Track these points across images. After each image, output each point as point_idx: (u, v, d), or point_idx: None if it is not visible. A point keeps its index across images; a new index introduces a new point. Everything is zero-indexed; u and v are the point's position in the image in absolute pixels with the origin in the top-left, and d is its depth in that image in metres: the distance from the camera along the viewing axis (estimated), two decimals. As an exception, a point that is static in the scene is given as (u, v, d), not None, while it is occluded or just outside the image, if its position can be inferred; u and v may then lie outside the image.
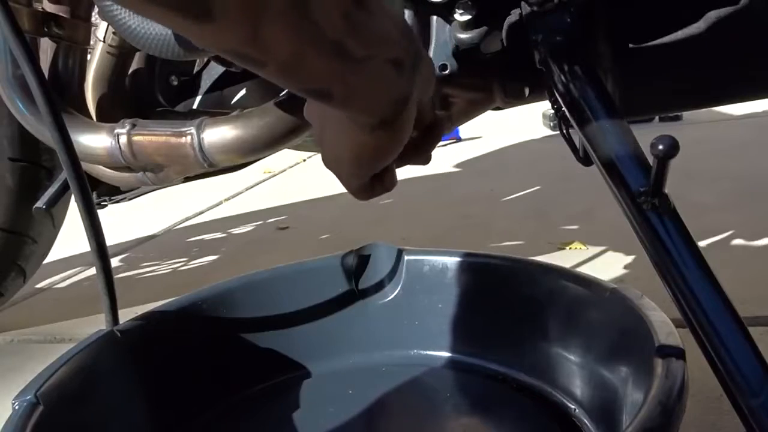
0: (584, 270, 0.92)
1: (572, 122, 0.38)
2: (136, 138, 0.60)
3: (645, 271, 0.85)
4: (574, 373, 0.52)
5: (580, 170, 0.50)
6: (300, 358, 0.63)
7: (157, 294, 0.98)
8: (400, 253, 0.65)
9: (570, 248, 1.01)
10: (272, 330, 0.62)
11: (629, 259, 0.92)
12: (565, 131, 0.41)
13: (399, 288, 0.64)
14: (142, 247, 1.39)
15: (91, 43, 0.65)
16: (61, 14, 0.61)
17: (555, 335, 0.54)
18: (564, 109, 0.39)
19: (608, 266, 0.92)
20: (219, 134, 0.59)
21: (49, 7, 0.60)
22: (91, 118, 0.66)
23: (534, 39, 0.40)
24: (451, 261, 0.62)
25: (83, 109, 0.66)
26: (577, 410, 0.52)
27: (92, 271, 0.72)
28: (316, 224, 1.37)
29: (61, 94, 0.64)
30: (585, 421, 0.51)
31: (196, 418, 0.57)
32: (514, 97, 0.49)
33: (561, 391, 0.53)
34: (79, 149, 0.62)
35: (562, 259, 0.97)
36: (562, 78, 0.38)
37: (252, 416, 0.58)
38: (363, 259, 0.66)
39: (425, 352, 0.62)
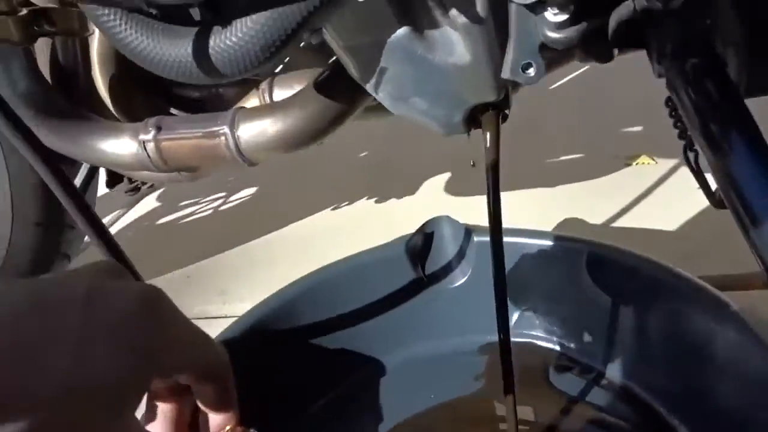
0: (657, 196, 0.85)
1: (704, 155, 0.30)
2: (164, 144, 0.53)
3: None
4: (666, 382, 0.48)
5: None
6: (373, 353, 0.60)
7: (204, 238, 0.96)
8: (468, 233, 0.59)
9: (637, 164, 0.92)
10: (341, 330, 0.59)
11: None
12: (693, 160, 0.33)
13: (469, 272, 0.59)
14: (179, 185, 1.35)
15: (90, 29, 0.56)
16: (50, 5, 0.52)
17: (654, 344, 0.49)
18: (692, 134, 0.30)
19: (685, 189, 0.85)
20: (257, 131, 0.52)
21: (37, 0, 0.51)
22: (110, 112, 0.59)
23: (653, 43, 0.31)
24: (529, 242, 0.56)
25: (98, 106, 0.58)
26: (663, 412, 0.48)
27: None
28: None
29: (70, 95, 0.56)
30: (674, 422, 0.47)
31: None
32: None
33: (652, 394, 0.49)
34: (106, 158, 0.56)
35: (632, 179, 0.89)
36: (692, 96, 0.30)
37: (334, 421, 0.57)
38: (428, 239, 0.61)
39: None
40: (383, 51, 0.38)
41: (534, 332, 0.58)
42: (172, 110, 0.63)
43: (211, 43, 0.35)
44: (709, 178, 0.34)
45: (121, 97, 0.60)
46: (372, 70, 0.40)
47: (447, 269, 0.61)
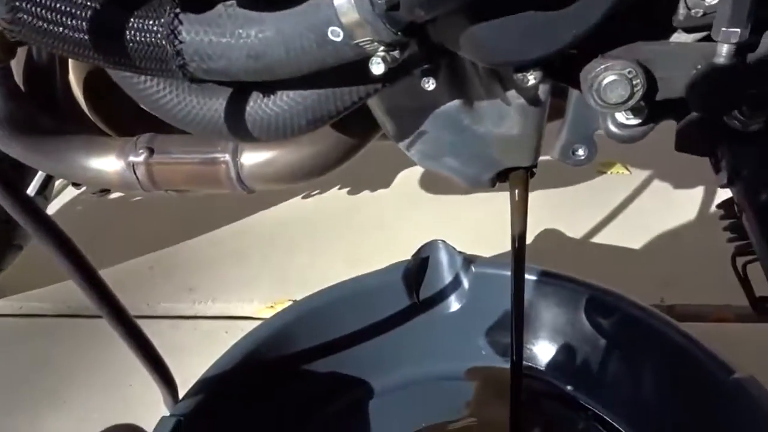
0: (632, 205, 0.87)
1: (763, 267, 0.30)
2: (157, 168, 0.49)
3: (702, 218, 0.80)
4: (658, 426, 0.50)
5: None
6: (364, 375, 0.59)
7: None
8: (466, 262, 0.59)
9: (611, 173, 0.94)
10: (333, 354, 0.58)
11: (681, 194, 0.86)
12: (741, 267, 0.33)
13: (464, 300, 0.59)
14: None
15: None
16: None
17: (649, 390, 0.51)
18: (755, 246, 0.31)
19: (657, 197, 0.87)
20: (262, 161, 0.48)
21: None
22: (90, 121, 0.54)
23: (726, 160, 0.30)
24: (532, 279, 0.55)
25: (77, 115, 0.53)
26: None
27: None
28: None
29: (47, 107, 0.51)
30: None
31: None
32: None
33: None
34: (87, 176, 0.51)
35: (605, 187, 0.91)
36: (760, 216, 0.29)
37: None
38: (423, 264, 0.60)
39: (494, 365, 0.59)
40: (427, 117, 0.36)
41: (527, 364, 0.59)
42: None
43: (249, 107, 0.32)
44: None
45: (98, 102, 0.55)
46: (410, 132, 0.37)
47: (441, 296, 0.60)
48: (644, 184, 0.90)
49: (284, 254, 0.89)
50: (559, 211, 0.86)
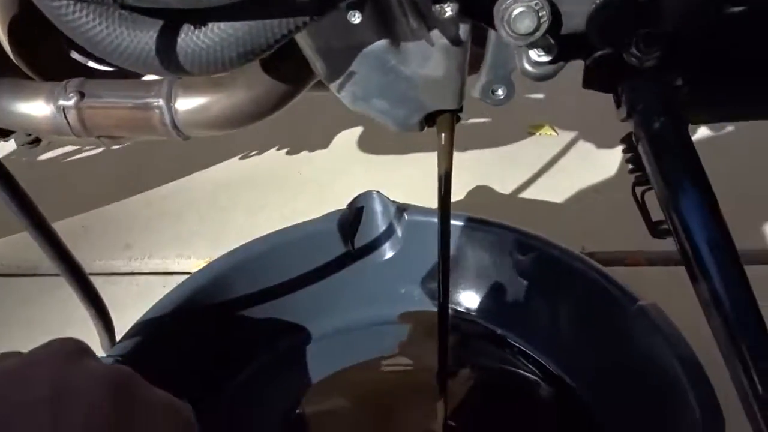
0: (558, 164, 0.91)
1: (656, 192, 0.34)
2: (88, 112, 0.48)
3: (621, 174, 0.86)
4: (580, 362, 0.54)
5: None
6: (301, 322, 0.61)
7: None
8: (399, 211, 0.61)
9: (540, 134, 0.98)
10: (271, 300, 0.59)
11: (605, 153, 0.91)
12: (640, 195, 0.37)
13: (399, 248, 0.62)
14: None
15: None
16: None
17: (566, 323, 0.55)
18: (649, 174, 0.34)
19: (581, 157, 0.92)
20: (196, 107, 0.48)
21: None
22: (15, 66, 0.53)
23: (625, 95, 0.34)
24: (459, 225, 0.58)
25: (1, 59, 0.52)
26: (575, 386, 0.54)
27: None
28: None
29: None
30: (585, 400, 0.53)
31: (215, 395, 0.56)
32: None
33: (561, 369, 0.55)
34: (14, 121, 0.50)
35: (534, 148, 0.95)
36: (655, 146, 0.33)
37: (261, 386, 0.58)
38: (358, 213, 0.62)
39: (426, 309, 0.62)
40: (356, 57, 0.37)
41: (455, 306, 0.62)
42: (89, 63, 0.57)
43: (180, 39, 0.32)
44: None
45: (23, 44, 0.54)
46: (340, 72, 0.39)
47: (376, 244, 0.62)
48: (570, 145, 0.94)
49: (222, 212, 0.89)
50: (490, 169, 0.90)
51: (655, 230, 0.37)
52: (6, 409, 0.20)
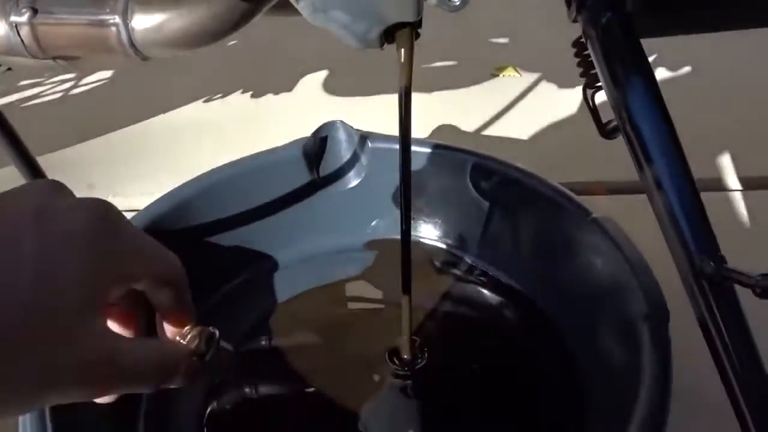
0: (521, 104, 0.92)
1: (606, 92, 0.35)
2: (42, 29, 0.47)
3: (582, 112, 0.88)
4: (538, 277, 0.56)
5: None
6: (267, 250, 0.62)
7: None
8: (363, 139, 0.62)
9: (504, 75, 0.99)
10: (236, 228, 0.60)
11: (565, 93, 0.93)
12: (590, 98, 0.38)
13: (363, 175, 0.62)
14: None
15: None
16: None
17: (526, 242, 0.57)
18: (598, 73, 0.35)
19: (543, 97, 0.93)
20: (153, 24, 0.48)
21: None
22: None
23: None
24: (421, 151, 0.59)
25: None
26: (538, 302, 0.56)
27: None
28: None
29: None
30: (548, 314, 0.56)
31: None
32: None
33: (526, 290, 0.57)
34: (-37, 40, 0.49)
35: (498, 89, 0.96)
36: (604, 44, 0.34)
37: (230, 313, 0.59)
38: (322, 142, 0.62)
39: (391, 237, 0.63)
40: (314, -39, 0.37)
41: (419, 233, 0.63)
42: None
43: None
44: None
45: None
46: (298, -21, 0.39)
47: (341, 172, 0.63)
48: (532, 86, 0.96)
49: (186, 153, 0.88)
50: (455, 109, 0.91)
51: (605, 130, 0.38)
52: None
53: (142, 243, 0.26)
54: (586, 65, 0.37)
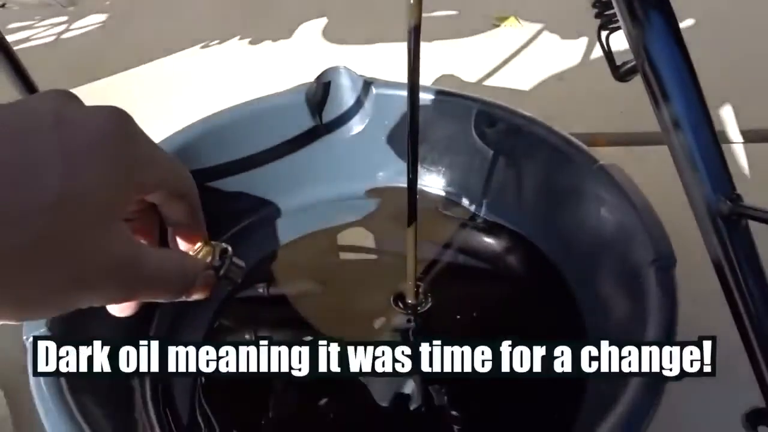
0: (523, 54, 0.91)
1: (625, 32, 0.35)
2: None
3: (583, 63, 0.87)
4: (543, 224, 0.56)
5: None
6: (269, 196, 0.62)
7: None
8: (366, 85, 0.61)
9: (505, 26, 0.97)
10: (237, 174, 0.59)
11: (568, 43, 0.91)
12: (605, 39, 0.37)
13: (366, 122, 0.61)
14: None
15: None
16: None
17: (530, 189, 0.56)
18: (617, 10, 0.35)
19: (545, 47, 0.92)
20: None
21: None
22: None
23: None
24: (425, 97, 0.58)
25: None
26: (549, 254, 0.56)
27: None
28: None
29: None
30: (552, 260, 0.56)
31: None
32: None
33: (531, 236, 0.57)
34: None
35: (497, 40, 0.94)
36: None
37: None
38: (326, 88, 0.61)
39: (394, 185, 0.63)
40: None
41: (423, 181, 0.63)
42: None
43: None
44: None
45: None
46: None
47: (344, 118, 0.62)
48: (534, 36, 0.94)
49: (183, 99, 0.87)
50: (458, 59, 0.90)
51: (619, 72, 0.38)
52: (10, 129, 0.20)
53: (159, 153, 0.25)
54: (602, 5, 0.36)
